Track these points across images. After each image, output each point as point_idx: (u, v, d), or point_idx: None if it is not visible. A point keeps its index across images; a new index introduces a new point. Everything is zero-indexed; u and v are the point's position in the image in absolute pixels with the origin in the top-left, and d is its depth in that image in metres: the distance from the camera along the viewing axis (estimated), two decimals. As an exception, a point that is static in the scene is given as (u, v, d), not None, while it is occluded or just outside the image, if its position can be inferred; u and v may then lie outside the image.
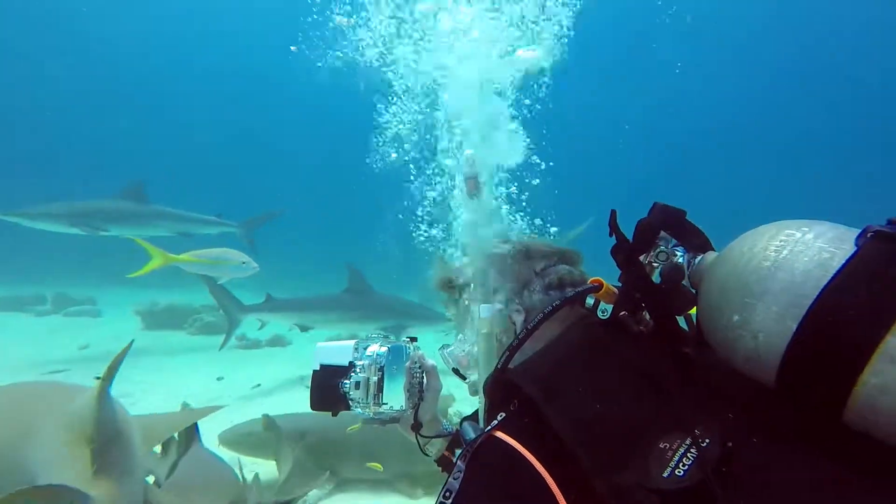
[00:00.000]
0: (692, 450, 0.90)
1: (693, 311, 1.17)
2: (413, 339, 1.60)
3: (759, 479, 0.89)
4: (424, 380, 1.56)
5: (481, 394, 1.31)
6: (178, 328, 11.86)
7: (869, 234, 0.91)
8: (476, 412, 1.42)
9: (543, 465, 0.96)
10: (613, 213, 1.26)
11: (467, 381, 1.46)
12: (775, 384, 0.95)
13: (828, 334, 0.88)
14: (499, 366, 1.16)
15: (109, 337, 10.49)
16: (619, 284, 1.26)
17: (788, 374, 0.93)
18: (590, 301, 1.39)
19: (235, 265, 6.42)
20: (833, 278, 0.89)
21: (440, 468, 1.70)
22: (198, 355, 9.60)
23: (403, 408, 1.55)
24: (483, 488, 1.00)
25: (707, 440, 0.90)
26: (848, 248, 0.91)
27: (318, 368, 1.56)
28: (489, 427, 1.06)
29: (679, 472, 0.89)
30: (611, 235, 1.25)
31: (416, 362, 1.56)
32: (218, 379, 7.90)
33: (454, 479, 1.02)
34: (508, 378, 1.11)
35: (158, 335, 11.14)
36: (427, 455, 1.70)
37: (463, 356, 1.47)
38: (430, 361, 1.58)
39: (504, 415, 1.07)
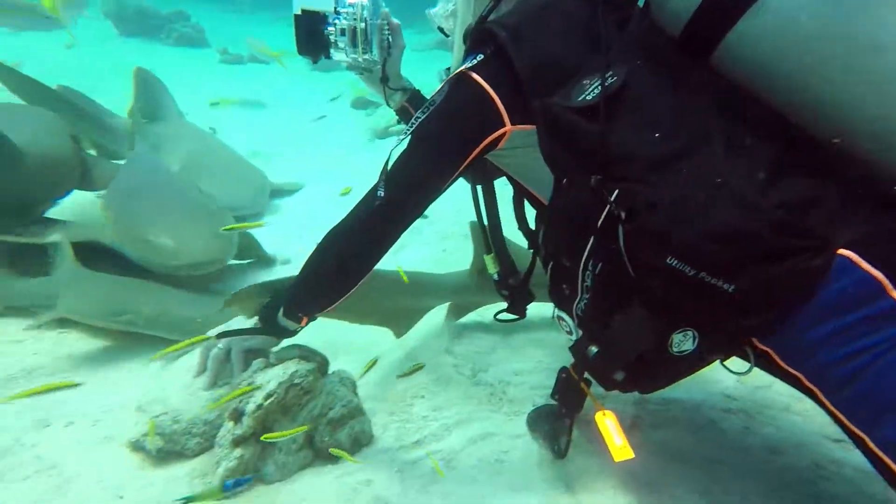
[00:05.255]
0: (602, 83, 1.17)
1: None
2: None
3: (637, 104, 1.18)
4: (391, 37, 1.71)
5: (459, 44, 1.52)
6: (154, 37, 11.67)
7: None
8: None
9: (500, 101, 1.27)
10: None
11: (449, 37, 1.62)
12: (679, 35, 1.16)
13: None
14: (482, 14, 1.39)
15: (89, 38, 10.28)
16: None
17: (691, 25, 1.13)
18: None
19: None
20: None
21: (397, 118, 1.94)
22: (190, 71, 9.68)
23: (377, 60, 1.71)
24: (454, 110, 1.33)
25: (615, 77, 1.17)
26: None
27: (298, 13, 1.62)
28: (465, 65, 1.31)
29: (589, 96, 1.17)
30: None
31: (384, 20, 1.69)
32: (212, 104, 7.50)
33: (438, 95, 1.34)
34: (487, 27, 1.31)
35: (137, 47, 10.94)
36: (390, 106, 1.90)
37: (447, 15, 1.61)
38: (396, 20, 1.73)
39: (481, 56, 1.30)
